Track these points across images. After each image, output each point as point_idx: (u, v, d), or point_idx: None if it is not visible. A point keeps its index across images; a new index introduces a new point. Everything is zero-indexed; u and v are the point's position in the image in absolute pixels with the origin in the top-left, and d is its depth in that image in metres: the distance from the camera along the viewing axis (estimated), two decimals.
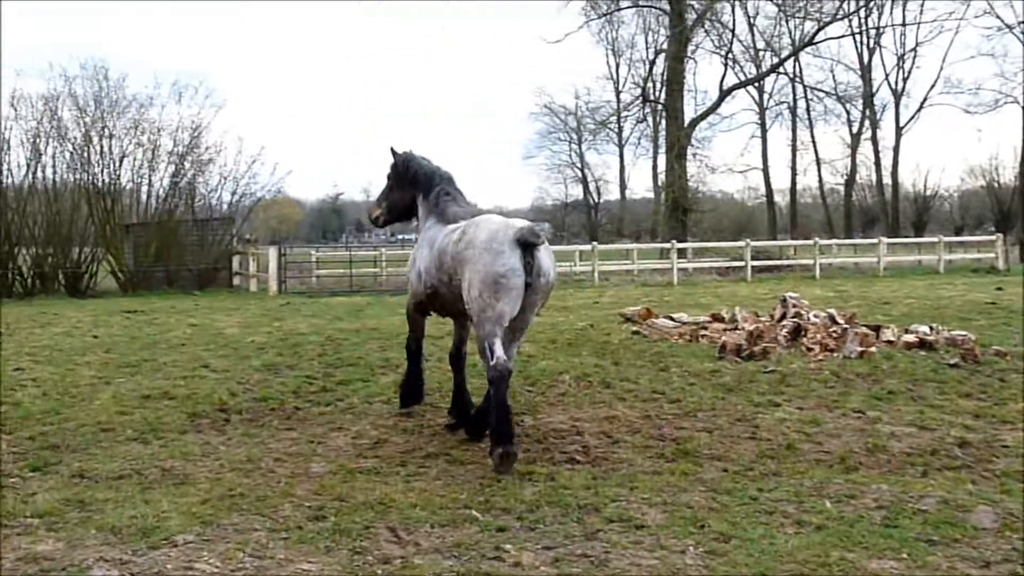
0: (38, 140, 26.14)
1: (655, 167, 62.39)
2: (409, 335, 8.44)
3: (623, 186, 73.86)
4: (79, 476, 6.26)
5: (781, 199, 65.94)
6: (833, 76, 57.91)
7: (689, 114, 45.09)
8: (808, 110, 59.87)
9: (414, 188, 8.32)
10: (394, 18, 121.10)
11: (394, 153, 8.56)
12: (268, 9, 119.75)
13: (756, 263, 30.12)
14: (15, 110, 25.85)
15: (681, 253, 31.34)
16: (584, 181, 75.15)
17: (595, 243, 32.33)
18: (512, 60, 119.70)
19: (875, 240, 33.95)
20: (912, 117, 57.00)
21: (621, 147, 70.64)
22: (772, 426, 7.60)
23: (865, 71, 56.32)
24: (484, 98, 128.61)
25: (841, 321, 11.70)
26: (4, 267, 24.83)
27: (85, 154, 26.71)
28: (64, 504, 5.59)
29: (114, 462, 6.60)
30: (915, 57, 56.28)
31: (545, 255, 6.88)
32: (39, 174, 26.32)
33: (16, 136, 26.41)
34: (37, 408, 8.45)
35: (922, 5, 52.20)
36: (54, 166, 26.62)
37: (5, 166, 25.85)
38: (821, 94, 55.96)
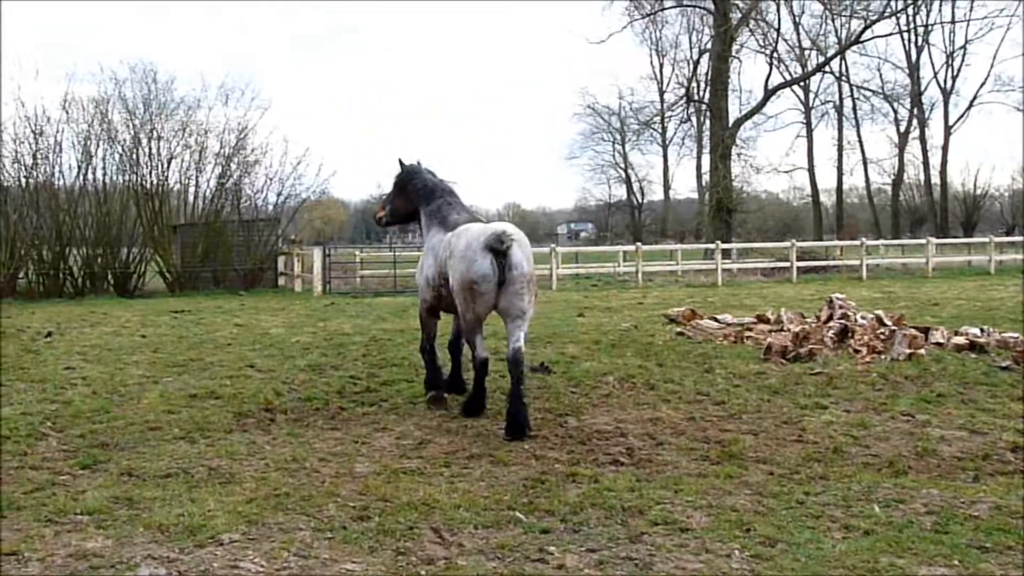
0: (89, 142, 26.62)
1: (699, 167, 62.08)
2: (423, 337, 9.15)
3: (667, 186, 73.53)
4: (127, 474, 6.35)
5: (827, 199, 65.14)
6: (880, 75, 57.10)
7: (734, 114, 44.72)
8: (855, 109, 59.15)
9: (415, 198, 9.26)
10: (442, 15, 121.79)
11: (401, 164, 9.51)
12: (315, 9, 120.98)
13: (802, 264, 29.81)
14: (67, 113, 26.29)
15: (725, 254, 31.07)
16: (628, 181, 74.88)
17: (639, 243, 32.20)
18: (553, 59, 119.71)
19: (923, 240, 33.46)
20: (962, 116, 56.10)
21: (665, 147, 70.34)
22: (819, 429, 7.51)
23: (913, 69, 55.49)
24: (527, 99, 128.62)
25: (889, 323, 11.53)
26: (56, 267, 25.32)
27: (134, 156, 27.16)
28: (113, 502, 5.67)
29: (161, 460, 6.68)
30: (965, 55, 55.46)
31: (517, 250, 7.66)
32: (90, 176, 26.83)
33: (68, 139, 26.82)
34: (87, 406, 8.59)
35: (972, 2, 51.48)
36: (104, 168, 27.12)
37: (57, 168, 26.38)
38: (868, 93, 55.29)
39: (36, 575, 4.57)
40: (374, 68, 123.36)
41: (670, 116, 56.73)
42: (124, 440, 7.34)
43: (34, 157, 25.70)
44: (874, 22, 42.78)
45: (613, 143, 73.71)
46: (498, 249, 7.54)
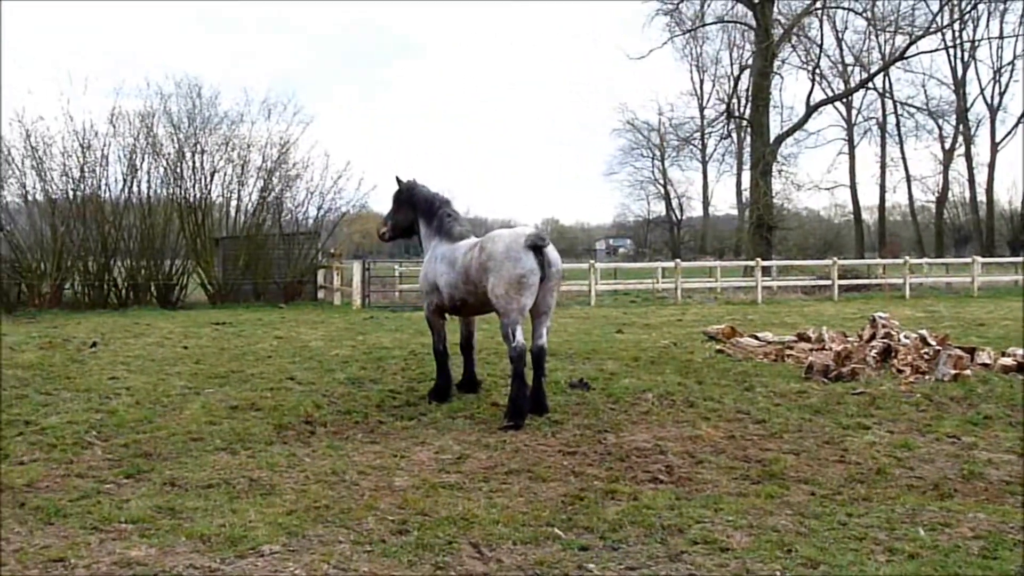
0: (134, 156, 26.93)
1: (739, 184, 61.76)
2: (434, 339, 9.93)
3: (706, 203, 73.20)
4: (170, 484, 6.43)
5: (869, 217, 64.50)
6: (925, 91, 56.37)
7: (775, 130, 44.39)
8: (898, 126, 58.41)
9: (414, 211, 10.14)
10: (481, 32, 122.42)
11: (399, 181, 10.32)
12: (355, 27, 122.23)
13: (843, 282, 29.48)
14: (113, 127, 26.67)
15: (766, 271, 30.82)
16: (667, 197, 74.68)
17: (678, 260, 32.07)
18: (591, 75, 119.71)
19: (968, 259, 32.94)
20: (1009, 132, 55.10)
21: (705, 164, 70.10)
22: (861, 449, 7.42)
23: (959, 85, 54.72)
24: (565, 115, 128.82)
25: (933, 342, 11.38)
26: (101, 278, 25.70)
27: (178, 169, 27.43)
28: (156, 511, 5.74)
29: (203, 471, 6.75)
30: (1012, 70, 54.52)
31: (551, 251, 8.75)
32: (135, 189, 27.11)
33: (114, 152, 27.21)
34: (131, 416, 8.72)
35: (1021, 17, 50.50)
36: (149, 181, 27.35)
37: (104, 181, 26.75)
38: (912, 110, 54.45)
39: None
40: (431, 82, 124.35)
41: (710, 132, 56.63)
42: (167, 450, 7.44)
43: (81, 170, 26.06)
44: (919, 38, 42.24)
45: (652, 159, 73.63)
46: (540, 246, 8.55)
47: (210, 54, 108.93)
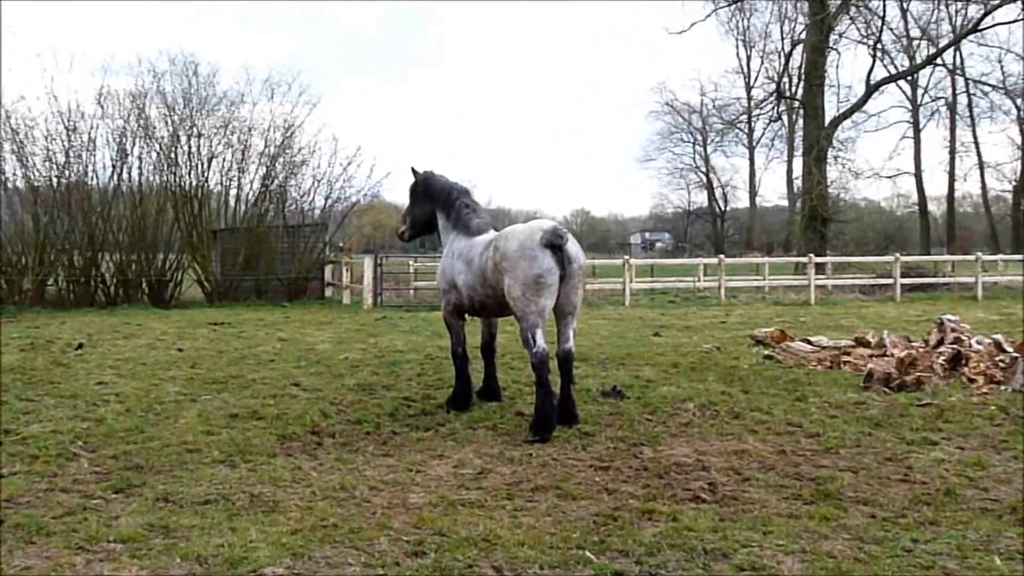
0: (124, 140, 27.02)
1: (790, 171, 61.53)
2: (453, 341, 10.00)
3: (753, 192, 73.08)
4: (163, 499, 6.47)
5: (936, 208, 64.15)
6: (1001, 67, 55.85)
7: (830, 112, 44.25)
8: (970, 106, 58.08)
9: (432, 204, 10.23)
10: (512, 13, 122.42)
11: (415, 173, 10.45)
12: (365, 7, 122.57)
13: (906, 280, 29.28)
14: (102, 108, 26.74)
15: (819, 268, 30.68)
16: (709, 187, 74.62)
17: (721, 256, 31.92)
18: (626, 51, 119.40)
19: None
20: None
21: (752, 149, 69.94)
22: (927, 467, 7.36)
23: None
24: (596, 98, 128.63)
25: (1009, 349, 11.28)
26: (87, 274, 25.82)
27: (172, 155, 27.55)
28: (148, 529, 5.78)
29: (200, 486, 6.79)
30: None
31: (572, 246, 8.68)
32: (125, 176, 27.24)
33: (102, 136, 27.27)
34: (120, 425, 8.78)
35: None
36: (140, 167, 27.49)
37: (91, 167, 26.84)
38: (987, 88, 54.05)
39: None
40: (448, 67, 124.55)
41: (758, 114, 56.56)
42: (160, 462, 7.49)
43: (66, 155, 26.17)
44: (995, 7, 41.72)
45: (694, 144, 73.66)
46: (557, 244, 8.50)
47: (208, 29, 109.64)
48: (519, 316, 8.67)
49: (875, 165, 68.30)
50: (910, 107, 59.30)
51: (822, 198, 40.54)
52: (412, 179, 10.48)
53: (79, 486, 6.83)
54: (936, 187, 62.89)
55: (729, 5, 48.86)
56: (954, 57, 53.19)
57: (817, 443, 8.22)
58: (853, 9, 43.64)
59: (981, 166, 60.01)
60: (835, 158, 45.54)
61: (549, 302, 8.60)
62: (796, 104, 48.21)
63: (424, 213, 10.38)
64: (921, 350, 11.74)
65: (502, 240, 8.83)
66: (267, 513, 6.13)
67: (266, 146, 28.97)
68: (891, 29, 50.51)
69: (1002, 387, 10.37)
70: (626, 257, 29.53)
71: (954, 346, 11.47)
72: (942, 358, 11.20)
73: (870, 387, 10.55)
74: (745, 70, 66.96)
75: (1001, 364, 10.86)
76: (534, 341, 8.52)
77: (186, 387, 10.92)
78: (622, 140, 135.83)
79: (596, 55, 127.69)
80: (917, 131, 59.41)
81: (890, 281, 28.87)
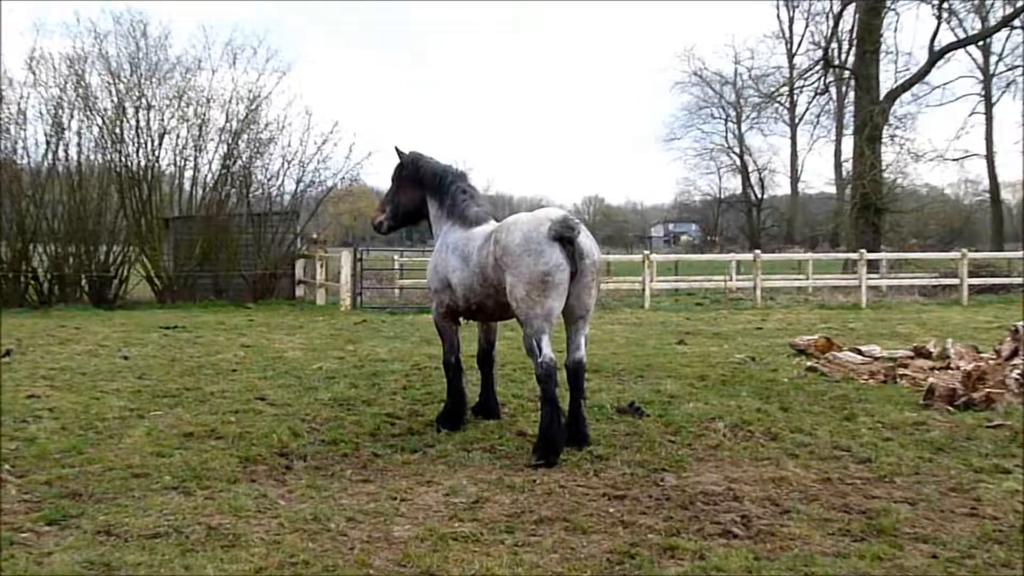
0: (60, 112, 27.03)
1: (838, 153, 61.65)
2: (445, 349, 10.05)
3: (795, 178, 73.11)
4: (105, 532, 6.46)
5: (1011, 196, 64.20)
6: None
7: (886, 84, 44.21)
8: None
9: (422, 188, 10.22)
10: None
11: (399, 152, 10.41)
12: None
13: (975, 281, 29.30)
14: (33, 74, 26.72)
15: (872, 266, 30.70)
16: (744, 171, 74.53)
17: (757, 252, 31.97)
18: (649, 10, 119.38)
19: None
20: None
21: (794, 127, 70.00)
22: (999, 500, 7.36)
23: None
24: (610, 62, 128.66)
25: None
26: (16, 268, 25.76)
27: (117, 130, 27.56)
28: (86, 567, 5.77)
29: (148, 516, 6.78)
30: None
31: (585, 239, 8.61)
32: (61, 154, 27.26)
33: (34, 107, 27.26)
34: (55, 446, 8.78)
35: None
36: (80, 144, 27.53)
37: (20, 144, 26.78)
38: None
39: None
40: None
41: (801, 86, 56.21)
42: (101, 489, 7.48)
43: None
44: None
45: (726, 121, 73.64)
46: (567, 236, 8.44)
47: None
48: (523, 320, 8.62)
49: (939, 146, 68.03)
50: (981, 77, 59.21)
51: (876, 184, 40.52)
52: (397, 160, 10.46)
53: (6, 517, 6.81)
54: (1011, 171, 62.88)
55: None
56: None
57: (868, 470, 8.22)
58: None
59: None
60: (892, 137, 45.49)
61: (558, 304, 8.53)
62: (846, 74, 48.18)
63: (411, 200, 10.37)
64: (992, 362, 11.74)
65: (504, 232, 8.76)
66: (227, 548, 6.13)
67: (227, 121, 29.06)
68: None
69: None
70: (646, 252, 29.56)
71: None
72: (1016, 372, 11.19)
73: (931, 405, 10.55)
74: (787, 34, 67.07)
75: None
76: (540, 349, 8.49)
77: (133, 401, 10.93)
78: (643, 116, 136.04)
79: (613, 14, 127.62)
80: (989, 106, 59.30)
81: (955, 281, 28.89)
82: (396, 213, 10.52)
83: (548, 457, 8.28)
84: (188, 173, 29.68)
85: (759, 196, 75.37)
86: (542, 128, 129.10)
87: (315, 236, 30.20)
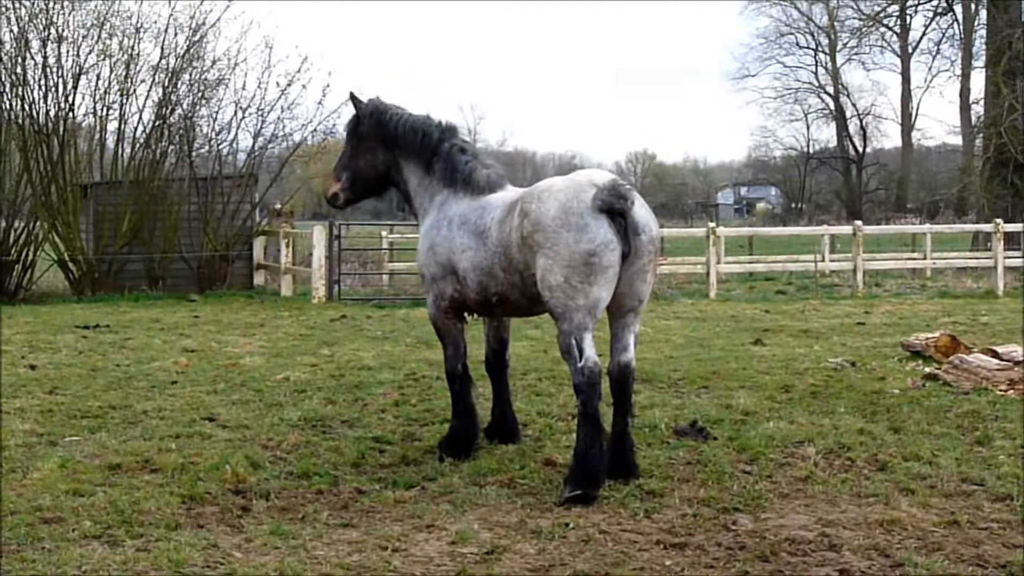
0: None
1: (965, 94, 61.15)
2: (448, 354, 9.97)
3: (908, 126, 72.67)
4: None
5: None
6: None
7: None
8: None
9: (393, 149, 10.06)
10: None
11: (355, 101, 10.23)
12: None
13: None
14: None
15: (1011, 240, 30.54)
16: (840, 117, 74.30)
17: (858, 223, 31.87)
18: None
19: None
20: None
21: (906, 59, 69.51)
22: None
23: None
24: None
25: None
26: None
27: (19, 69, 27.47)
28: None
29: (62, 572, 6.80)
30: None
31: (640, 209, 8.56)
32: None
33: None
34: None
35: None
36: None
37: None
38: None
39: None
40: None
41: (917, 3, 56.08)
42: (3, 538, 7.51)
43: None
44: None
45: (815, 52, 73.37)
46: (619, 208, 8.32)
47: None
48: (559, 314, 8.47)
49: None
50: None
51: (1016, 133, 40.31)
52: (353, 112, 10.29)
53: None
54: None
55: None
56: None
57: (1008, 510, 8.20)
58: None
59: None
60: None
61: (605, 292, 8.41)
62: None
63: (373, 166, 10.23)
64: None
65: (534, 201, 8.55)
66: None
67: (163, 56, 28.95)
68: None
69: None
70: (711, 224, 29.56)
71: None
72: None
73: None
74: None
75: None
76: (581, 351, 8.36)
77: (42, 423, 10.95)
78: (705, 46, 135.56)
79: None
80: None
81: None
82: (354, 182, 10.32)
83: (586, 492, 8.25)
84: (112, 125, 29.49)
85: (860, 150, 75.15)
86: (572, 65, 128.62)
87: (278, 207, 30.14)
